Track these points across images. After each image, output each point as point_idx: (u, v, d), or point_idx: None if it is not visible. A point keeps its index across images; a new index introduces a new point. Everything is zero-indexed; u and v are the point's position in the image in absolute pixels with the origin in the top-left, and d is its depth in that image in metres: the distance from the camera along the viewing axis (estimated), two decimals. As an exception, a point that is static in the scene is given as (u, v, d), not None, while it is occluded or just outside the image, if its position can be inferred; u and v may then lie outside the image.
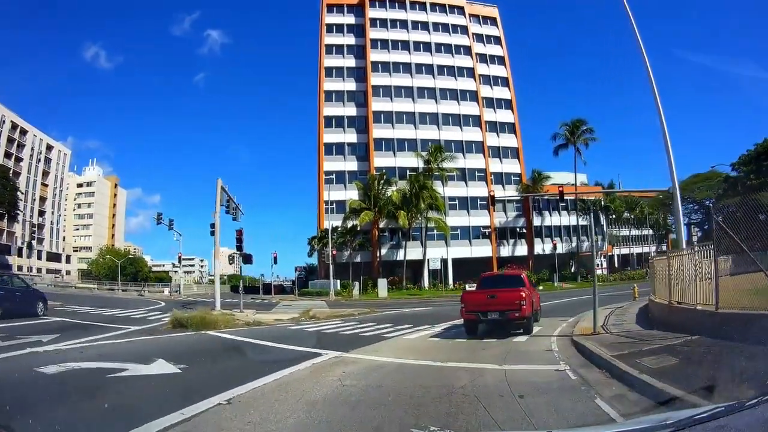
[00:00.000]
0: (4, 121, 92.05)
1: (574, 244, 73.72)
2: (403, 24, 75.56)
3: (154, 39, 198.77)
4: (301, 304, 36.80)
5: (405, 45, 74.51)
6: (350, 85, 72.47)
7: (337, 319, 24.56)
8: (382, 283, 54.97)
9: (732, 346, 8.76)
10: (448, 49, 75.61)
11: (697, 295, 11.99)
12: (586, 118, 68.56)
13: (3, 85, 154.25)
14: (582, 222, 72.07)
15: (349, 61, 73.73)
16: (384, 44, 73.86)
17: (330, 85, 71.99)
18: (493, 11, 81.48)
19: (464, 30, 77.25)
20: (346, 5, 76.11)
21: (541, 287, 38.55)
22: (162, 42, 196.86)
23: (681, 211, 20.89)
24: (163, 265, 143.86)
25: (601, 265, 66.07)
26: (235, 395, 7.34)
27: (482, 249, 68.49)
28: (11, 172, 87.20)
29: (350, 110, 71.17)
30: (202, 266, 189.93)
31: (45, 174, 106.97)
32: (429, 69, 73.73)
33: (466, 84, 74.10)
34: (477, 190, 69.29)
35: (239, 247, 31.61)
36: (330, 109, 70.75)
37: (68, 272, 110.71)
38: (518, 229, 72.97)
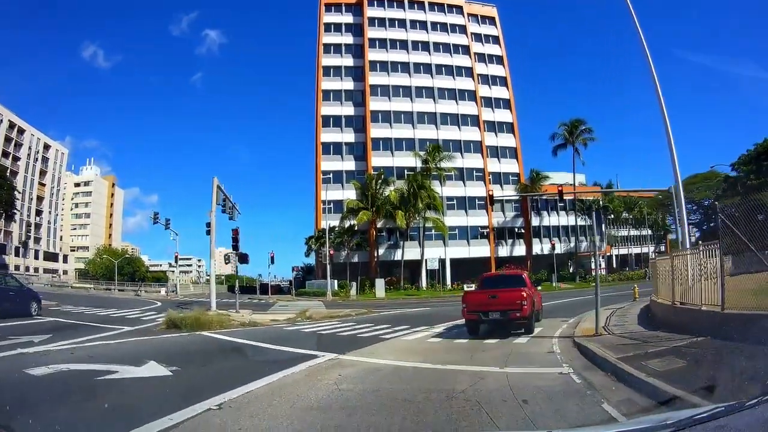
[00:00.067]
0: (1, 120, 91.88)
1: (572, 245, 73.70)
2: (402, 23, 75.32)
3: (153, 39, 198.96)
4: (297, 305, 36.51)
5: (403, 44, 74.27)
6: (348, 84, 72.20)
7: (334, 320, 24.30)
8: (380, 284, 54.70)
9: (740, 348, 8.47)
10: (446, 48, 75.45)
11: (702, 296, 11.74)
12: (584, 118, 68.72)
13: (2, 84, 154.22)
14: (580, 222, 71.98)
15: (347, 61, 73.49)
16: (382, 43, 73.60)
17: (328, 84, 71.71)
18: (491, 11, 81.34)
19: (463, 29, 77.08)
20: (345, 4, 75.90)
21: (539, 287, 38.32)
22: (161, 42, 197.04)
23: (687, 210, 20.62)
24: (161, 265, 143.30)
25: (599, 265, 65.79)
26: (227, 399, 7.06)
27: (480, 249, 68.31)
28: (8, 171, 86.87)
29: (348, 110, 70.91)
30: (199, 266, 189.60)
31: (42, 173, 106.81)
32: (427, 68, 73.56)
33: (464, 83, 73.94)
34: (475, 189, 69.08)
35: (235, 247, 31.33)
36: (328, 109, 70.48)
37: (65, 272, 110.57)
38: (516, 230, 72.84)
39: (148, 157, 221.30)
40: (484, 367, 9.89)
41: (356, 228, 60.91)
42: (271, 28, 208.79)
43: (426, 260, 58.70)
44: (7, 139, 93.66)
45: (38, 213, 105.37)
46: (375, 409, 6.72)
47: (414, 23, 75.65)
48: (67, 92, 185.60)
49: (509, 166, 73.75)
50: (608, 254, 77.53)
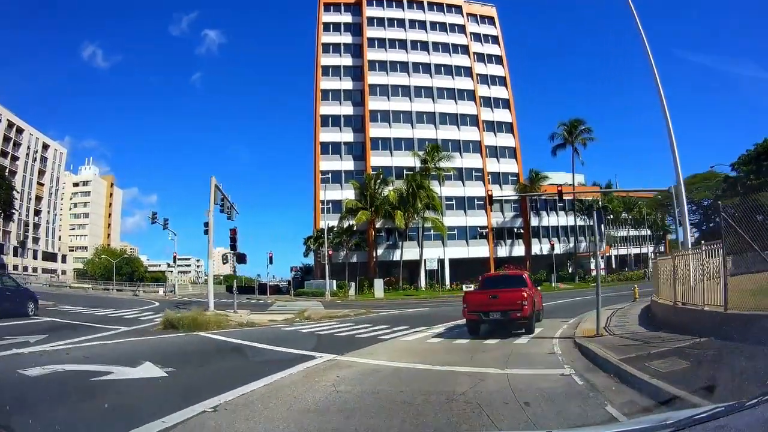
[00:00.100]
0: (0, 120, 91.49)
1: (571, 245, 73.61)
2: (401, 23, 75.13)
3: (152, 39, 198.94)
4: (296, 305, 36.32)
5: (402, 44, 74.09)
6: (347, 84, 72.03)
7: (333, 320, 24.18)
8: (379, 284, 54.57)
9: (744, 348, 8.35)
10: (445, 48, 75.31)
11: (705, 296, 11.62)
12: (584, 118, 68.66)
13: (2, 84, 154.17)
14: (580, 222, 71.90)
15: (346, 60, 73.32)
16: (381, 43, 73.43)
17: (327, 83, 71.49)
18: (491, 10, 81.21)
19: (462, 29, 76.94)
20: (343, 4, 75.77)
21: (539, 288, 38.25)
22: (161, 42, 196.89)
23: (687, 210, 20.48)
24: (159, 266, 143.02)
25: (600, 265, 65.68)
26: (222, 402, 6.92)
27: (479, 249, 68.19)
28: (7, 170, 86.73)
29: (347, 109, 70.74)
30: (198, 266, 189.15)
31: (41, 173, 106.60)
32: (426, 68, 73.42)
33: (463, 83, 73.79)
34: (474, 189, 68.98)
35: (233, 247, 31.19)
36: (326, 108, 70.28)
37: (64, 272, 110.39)
38: (515, 230, 72.71)
39: (148, 157, 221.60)
40: (484, 369, 9.75)
41: (355, 228, 60.77)
42: (270, 28, 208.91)
43: (425, 260, 58.51)
44: (6, 139, 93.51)
45: (37, 213, 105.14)
46: (373, 411, 6.58)
47: (413, 23, 75.48)
48: (67, 92, 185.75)
49: (508, 166, 73.63)
50: (607, 255, 77.39)
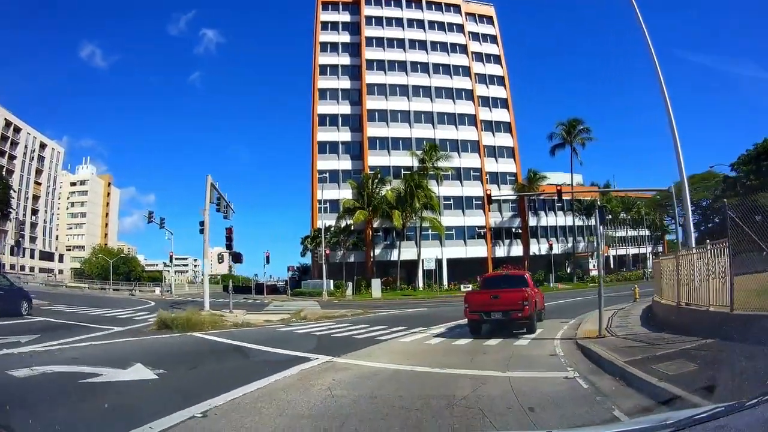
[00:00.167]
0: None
1: (570, 245, 73.48)
2: (399, 22, 74.89)
3: (151, 39, 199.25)
4: (293, 305, 36.13)
5: (400, 43, 73.84)
6: (345, 83, 71.76)
7: (329, 321, 23.93)
8: (376, 284, 54.35)
9: (752, 350, 8.06)
10: (443, 47, 75.13)
11: (710, 296, 11.39)
12: (582, 118, 68.52)
13: (1, 84, 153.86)
14: (578, 222, 71.79)
15: (344, 59, 73.03)
16: (379, 42, 73.19)
17: (324, 83, 71.20)
18: (489, 10, 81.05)
19: (460, 28, 76.76)
20: (341, 3, 75.52)
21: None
22: (160, 42, 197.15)
23: (690, 209, 20.25)
24: (157, 265, 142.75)
25: (598, 265, 65.46)
26: (212, 406, 6.63)
27: (477, 249, 67.96)
28: (4, 169, 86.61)
29: (344, 108, 70.45)
30: (195, 266, 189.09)
31: (38, 172, 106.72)
32: (424, 67, 73.20)
33: (461, 83, 73.61)
34: (472, 189, 68.81)
35: (229, 246, 30.89)
36: (324, 107, 69.98)
37: (61, 271, 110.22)
38: (514, 230, 72.50)
39: (148, 157, 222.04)
40: (485, 371, 9.46)
41: (352, 228, 60.53)
42: (270, 28, 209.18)
43: (423, 260, 58.35)
44: (3, 138, 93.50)
45: (34, 212, 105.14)
46: (370, 417, 6.28)
47: (411, 22, 75.23)
48: (66, 92, 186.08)
49: (506, 165, 73.44)
50: (606, 255, 77.22)
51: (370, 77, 70.80)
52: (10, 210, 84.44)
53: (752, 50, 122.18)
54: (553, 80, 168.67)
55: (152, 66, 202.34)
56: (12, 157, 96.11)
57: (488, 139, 72.77)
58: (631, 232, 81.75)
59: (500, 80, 77.30)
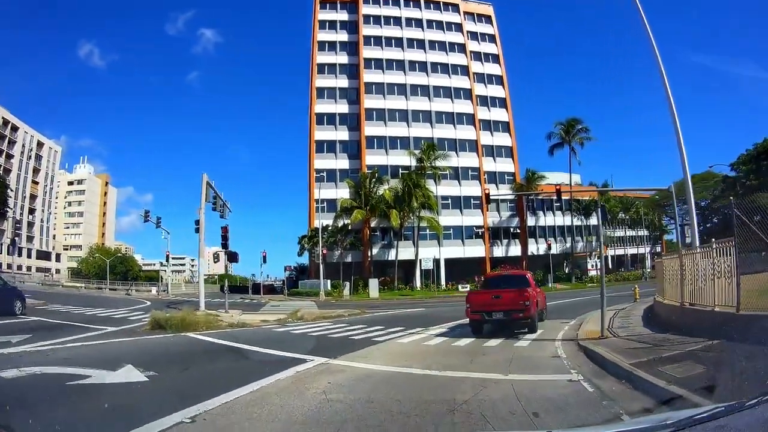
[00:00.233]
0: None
1: (568, 245, 73.23)
2: (397, 21, 74.69)
3: (151, 38, 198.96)
4: (289, 305, 35.89)
5: (398, 42, 73.59)
6: (343, 82, 71.45)
7: (326, 321, 23.66)
8: (373, 284, 54.07)
9: (761, 351, 7.83)
10: (442, 46, 74.91)
11: (715, 296, 11.18)
12: (581, 118, 68.35)
13: (0, 84, 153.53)
14: (576, 222, 71.66)
15: (342, 58, 72.72)
16: (377, 41, 72.97)
17: (322, 81, 70.93)
18: (488, 9, 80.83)
19: (458, 27, 76.55)
20: (339, 2, 75.21)
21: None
22: (159, 41, 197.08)
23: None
24: (154, 265, 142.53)
25: (596, 265, 65.33)
26: (202, 411, 6.36)
27: (475, 249, 67.72)
28: (1, 168, 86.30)
29: (342, 107, 70.15)
30: (192, 266, 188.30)
31: (36, 171, 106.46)
32: (422, 66, 72.97)
33: (459, 82, 73.37)
34: (470, 189, 68.58)
35: (224, 245, 30.60)
36: (322, 106, 69.70)
37: (58, 271, 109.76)
38: (512, 229, 72.23)
39: (147, 157, 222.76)
40: (486, 374, 9.20)
41: (350, 227, 60.26)
42: (269, 27, 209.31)
43: (420, 260, 58.20)
44: (1, 137, 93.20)
45: (31, 211, 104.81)
46: (367, 423, 5.99)
47: (409, 21, 75.02)
48: (65, 92, 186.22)
49: (505, 165, 73.21)
50: (604, 255, 77.02)
51: (368, 76, 70.52)
52: (7, 209, 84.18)
53: (752, 50, 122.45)
54: (552, 80, 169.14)
55: (151, 66, 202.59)
56: (9, 156, 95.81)
57: (486, 138, 72.54)
58: (630, 232, 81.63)
59: (499, 80, 77.06)
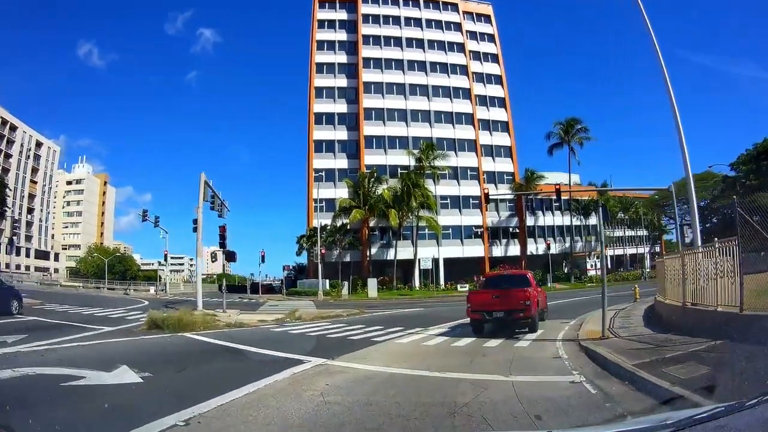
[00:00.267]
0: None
1: (567, 245, 73.15)
2: (396, 20, 74.57)
3: (150, 38, 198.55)
4: (288, 304, 35.75)
5: (397, 41, 73.47)
6: (341, 81, 71.31)
7: (325, 321, 23.51)
8: (372, 283, 53.92)
9: (765, 351, 7.72)
10: (441, 46, 74.77)
11: (718, 296, 11.04)
12: (581, 118, 68.29)
13: (0, 84, 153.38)
14: (576, 222, 71.59)
15: (341, 58, 72.60)
16: (376, 40, 72.85)
17: (321, 81, 70.79)
18: (487, 9, 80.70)
19: (458, 27, 76.43)
20: (338, 1, 75.10)
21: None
22: (159, 41, 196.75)
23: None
24: (152, 264, 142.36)
25: (595, 265, 65.30)
26: (196, 414, 6.22)
27: (474, 249, 67.62)
28: (0, 168, 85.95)
29: (341, 107, 70.02)
30: (191, 265, 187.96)
31: (34, 171, 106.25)
32: (421, 66, 72.85)
33: (458, 81, 73.24)
34: (469, 188, 68.49)
35: (222, 244, 30.48)
36: (320, 106, 69.53)
37: (57, 270, 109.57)
38: (511, 229, 72.09)
39: (146, 157, 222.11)
40: (486, 375, 9.07)
41: (348, 227, 60.05)
42: (268, 27, 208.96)
43: (419, 260, 58.11)
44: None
45: (30, 211, 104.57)
46: (366, 426, 5.86)
47: (408, 20, 74.92)
48: (65, 92, 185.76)
49: (504, 165, 73.11)
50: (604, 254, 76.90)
51: (367, 75, 70.40)
52: (6, 208, 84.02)
53: (752, 50, 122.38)
54: (551, 80, 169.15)
55: (150, 66, 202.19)
56: (8, 156, 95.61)
57: (485, 138, 72.42)
58: (629, 232, 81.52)
59: (498, 79, 76.93)
